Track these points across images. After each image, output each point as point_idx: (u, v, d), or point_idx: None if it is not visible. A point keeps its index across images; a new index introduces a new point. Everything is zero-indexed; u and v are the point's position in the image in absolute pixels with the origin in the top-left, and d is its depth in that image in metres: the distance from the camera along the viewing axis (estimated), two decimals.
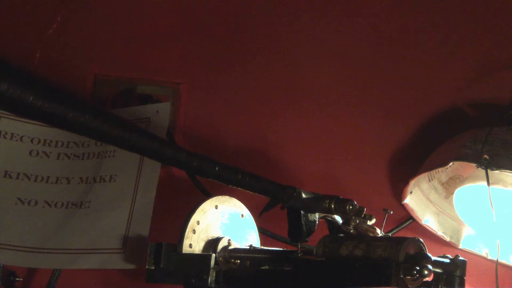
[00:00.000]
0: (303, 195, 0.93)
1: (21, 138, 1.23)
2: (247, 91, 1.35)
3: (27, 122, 1.23)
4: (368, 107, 1.34)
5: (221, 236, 1.04)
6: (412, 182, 1.20)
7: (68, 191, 1.21)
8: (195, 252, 1.01)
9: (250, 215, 1.11)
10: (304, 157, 1.34)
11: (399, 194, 1.27)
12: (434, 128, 1.31)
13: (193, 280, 0.96)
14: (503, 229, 1.18)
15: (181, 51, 1.35)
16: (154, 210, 1.14)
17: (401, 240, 0.86)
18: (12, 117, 1.22)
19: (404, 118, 1.33)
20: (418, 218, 1.27)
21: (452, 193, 1.23)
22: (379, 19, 1.33)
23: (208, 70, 1.35)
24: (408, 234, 1.29)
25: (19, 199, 1.19)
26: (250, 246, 1.04)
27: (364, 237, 0.93)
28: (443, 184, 1.29)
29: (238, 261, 1.02)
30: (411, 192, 1.24)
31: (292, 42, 1.35)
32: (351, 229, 0.95)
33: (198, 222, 1.02)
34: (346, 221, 0.96)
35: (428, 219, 1.27)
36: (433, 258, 0.86)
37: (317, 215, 0.96)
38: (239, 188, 0.85)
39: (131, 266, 1.10)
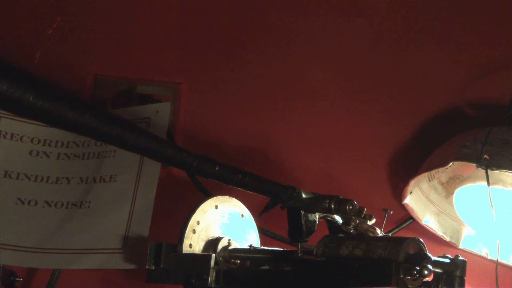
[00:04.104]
0: (303, 195, 0.93)
1: (21, 138, 1.23)
2: (247, 91, 1.35)
3: (27, 122, 1.23)
4: (368, 107, 1.34)
5: (221, 236, 1.04)
6: (412, 182, 1.20)
7: (68, 191, 1.21)
8: (195, 252, 1.00)
9: (250, 215, 1.11)
10: (304, 157, 1.34)
11: (399, 194, 1.27)
12: (434, 128, 1.31)
13: (193, 280, 0.96)
14: (503, 229, 1.18)
15: (181, 51, 1.35)
16: (154, 210, 1.14)
17: (401, 240, 0.86)
18: (12, 117, 1.22)
19: (404, 118, 1.33)
20: (418, 218, 1.27)
21: (452, 193, 1.23)
22: (379, 19, 1.33)
23: (208, 70, 1.35)
24: (408, 234, 1.29)
25: (19, 199, 1.19)
26: (250, 246, 1.04)
27: (364, 237, 0.93)
28: (443, 184, 1.29)
29: (238, 261, 1.02)
30: (411, 192, 1.24)
31: (292, 42, 1.35)
32: (351, 229, 0.95)
33: (198, 222, 1.02)
34: (346, 221, 0.96)
35: (428, 219, 1.27)
36: (433, 258, 0.86)
37: (317, 215, 0.96)
38: (239, 188, 0.85)
39: (131, 266, 1.10)
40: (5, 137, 1.22)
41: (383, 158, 1.33)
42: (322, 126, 1.34)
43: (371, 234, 0.94)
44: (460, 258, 0.92)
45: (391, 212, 1.02)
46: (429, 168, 1.18)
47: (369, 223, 0.96)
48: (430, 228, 1.27)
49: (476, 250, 1.28)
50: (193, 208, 1.03)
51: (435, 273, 0.89)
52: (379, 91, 1.34)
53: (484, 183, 1.09)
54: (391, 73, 1.34)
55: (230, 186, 0.84)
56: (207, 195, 1.15)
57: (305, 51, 1.34)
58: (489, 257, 1.26)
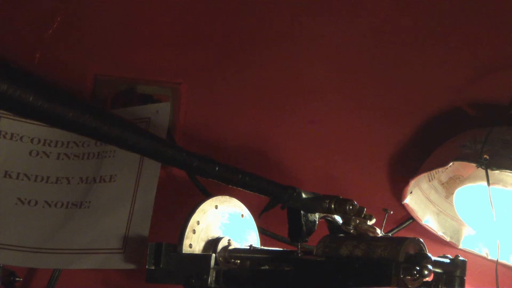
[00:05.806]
0: (303, 195, 0.93)
1: (21, 138, 1.23)
2: (247, 91, 1.35)
3: (27, 122, 1.23)
4: (368, 107, 1.34)
5: (221, 236, 1.04)
6: (412, 182, 1.20)
7: (68, 191, 1.21)
8: (195, 252, 1.01)
9: (250, 215, 1.11)
10: (304, 157, 1.34)
11: (399, 194, 1.27)
12: (434, 128, 1.31)
13: (193, 280, 0.96)
14: (503, 229, 1.18)
15: (181, 51, 1.35)
16: (154, 210, 1.14)
17: (401, 240, 0.86)
18: (12, 117, 1.22)
19: (404, 118, 1.33)
20: (418, 218, 1.27)
21: (452, 193, 1.23)
22: (379, 19, 1.33)
23: (208, 70, 1.35)
24: (408, 234, 1.29)
25: (19, 199, 1.19)
26: (250, 246, 1.04)
27: (364, 237, 0.93)
28: (443, 184, 1.29)
29: (238, 261, 1.02)
30: (411, 192, 1.24)
31: (292, 42, 1.35)
32: (351, 229, 0.95)
33: (198, 222, 1.02)
34: (346, 221, 0.96)
35: (428, 219, 1.27)
36: (433, 258, 0.86)
37: (317, 215, 0.96)
38: (239, 188, 0.85)
39: (131, 266, 1.10)
40: (5, 137, 1.22)
41: (383, 158, 1.33)
42: (322, 126, 1.34)
43: (371, 234, 0.94)
44: (460, 258, 0.92)
45: (391, 212, 1.02)
46: (429, 168, 1.18)
47: (369, 223, 0.96)
48: (430, 228, 1.27)
49: (476, 250, 1.28)
50: (193, 208, 1.03)
51: (435, 273, 0.89)
52: (379, 91, 1.34)
53: (484, 183, 1.09)
54: (391, 73, 1.34)
55: (230, 186, 0.84)
56: (207, 195, 1.15)
57: (305, 51, 1.34)
58: (489, 257, 1.26)
